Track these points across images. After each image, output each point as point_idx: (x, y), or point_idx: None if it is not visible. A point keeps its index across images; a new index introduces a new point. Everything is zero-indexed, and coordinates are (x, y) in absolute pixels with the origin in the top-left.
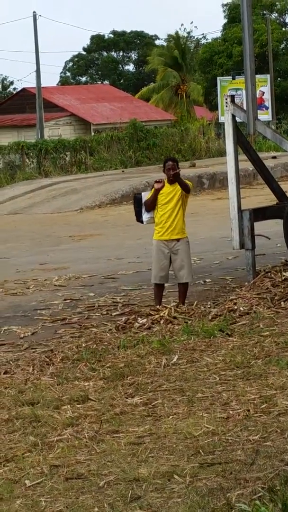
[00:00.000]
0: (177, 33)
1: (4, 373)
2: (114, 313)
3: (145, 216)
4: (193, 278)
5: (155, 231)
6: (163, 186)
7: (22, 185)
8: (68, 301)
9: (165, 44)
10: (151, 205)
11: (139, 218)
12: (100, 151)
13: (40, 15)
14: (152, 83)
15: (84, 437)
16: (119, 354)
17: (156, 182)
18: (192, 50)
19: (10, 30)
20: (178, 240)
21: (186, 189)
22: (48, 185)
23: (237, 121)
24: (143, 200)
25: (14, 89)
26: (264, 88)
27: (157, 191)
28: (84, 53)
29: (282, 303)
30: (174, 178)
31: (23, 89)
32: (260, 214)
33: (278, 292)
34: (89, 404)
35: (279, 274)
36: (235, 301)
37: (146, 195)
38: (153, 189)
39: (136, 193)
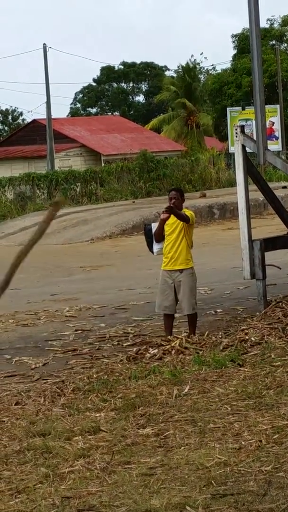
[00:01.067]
0: (187, 64)
1: (16, 404)
2: (125, 344)
3: (155, 247)
4: (195, 310)
5: (162, 261)
6: (169, 217)
7: (33, 216)
8: (79, 332)
9: (175, 75)
10: (159, 236)
11: (150, 249)
12: (110, 181)
13: (50, 47)
14: (162, 114)
15: (96, 468)
16: (131, 384)
17: (163, 212)
18: (202, 81)
19: (21, 61)
20: (181, 271)
21: (184, 220)
22: (59, 216)
23: (247, 151)
24: (153, 231)
25: (23, 120)
26: (274, 118)
27: (163, 222)
28: (94, 84)
29: None
30: (169, 212)
31: (34, 121)
32: (270, 244)
33: None
34: (101, 435)
35: None
36: (246, 331)
37: (155, 226)
38: (160, 220)
39: (146, 224)
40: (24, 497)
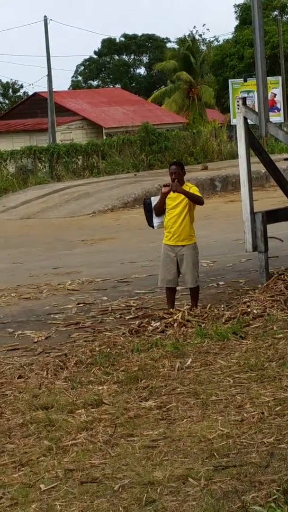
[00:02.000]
0: (189, 35)
1: (18, 378)
2: (128, 317)
3: (155, 221)
4: (198, 283)
5: (164, 234)
6: (170, 190)
7: (34, 190)
8: (82, 305)
9: (176, 47)
10: (160, 209)
11: (149, 223)
12: (112, 154)
13: (51, 19)
14: (164, 86)
15: (99, 441)
16: (133, 357)
17: (164, 186)
18: (203, 53)
19: (21, 34)
20: (184, 245)
21: (196, 201)
22: (61, 189)
23: (249, 123)
24: (153, 205)
25: (24, 93)
26: (276, 90)
27: (165, 195)
28: (95, 57)
29: None
30: (176, 191)
31: (35, 94)
32: (272, 216)
33: None
34: (103, 408)
35: None
36: (248, 303)
37: (155, 200)
38: (161, 193)
39: (145, 198)
40: (28, 470)
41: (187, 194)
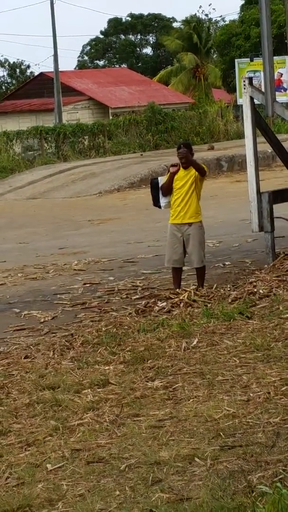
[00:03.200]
0: (195, 15)
1: (25, 358)
2: (134, 297)
3: (163, 201)
4: (204, 263)
5: (170, 214)
6: (178, 170)
7: (41, 170)
8: (88, 285)
9: (182, 26)
10: (167, 189)
11: (156, 203)
12: (118, 134)
13: None
14: (170, 66)
15: (105, 421)
16: (139, 337)
17: (172, 166)
18: (210, 32)
19: (27, 14)
20: (190, 224)
21: (201, 172)
22: (67, 169)
23: (256, 103)
24: (160, 185)
25: (31, 73)
26: (282, 69)
27: (173, 175)
28: (101, 36)
29: None
30: (186, 163)
31: (41, 74)
32: (279, 196)
33: None
34: (110, 388)
35: None
36: (254, 283)
37: (162, 180)
38: (168, 173)
39: (152, 178)
40: (34, 450)
41: (194, 163)
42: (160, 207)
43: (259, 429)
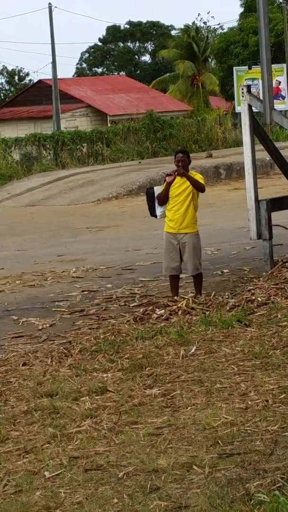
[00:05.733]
0: (193, 23)
1: (23, 365)
2: (132, 304)
3: (159, 211)
4: (200, 270)
5: (165, 222)
6: (174, 179)
7: (39, 177)
8: (86, 292)
9: (181, 34)
10: (163, 199)
11: (152, 213)
12: (116, 142)
13: (55, 7)
14: (168, 74)
15: (103, 428)
16: (137, 345)
17: (168, 175)
18: (208, 40)
19: (26, 21)
20: (186, 233)
21: (198, 188)
22: (65, 176)
23: (254, 111)
24: (156, 194)
25: (30, 80)
26: (281, 77)
27: (169, 185)
28: (100, 44)
29: None
30: (182, 175)
31: (39, 81)
32: (277, 204)
33: None
34: (108, 395)
35: None
36: (252, 291)
37: (158, 189)
38: (165, 183)
39: (148, 187)
40: (32, 457)
41: (190, 179)
42: (156, 216)
43: (257, 437)
